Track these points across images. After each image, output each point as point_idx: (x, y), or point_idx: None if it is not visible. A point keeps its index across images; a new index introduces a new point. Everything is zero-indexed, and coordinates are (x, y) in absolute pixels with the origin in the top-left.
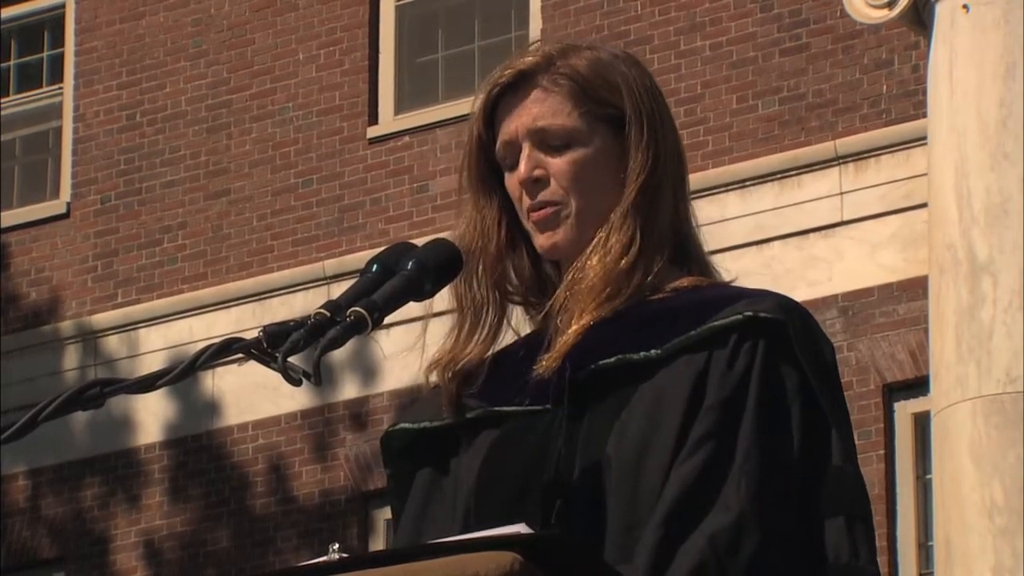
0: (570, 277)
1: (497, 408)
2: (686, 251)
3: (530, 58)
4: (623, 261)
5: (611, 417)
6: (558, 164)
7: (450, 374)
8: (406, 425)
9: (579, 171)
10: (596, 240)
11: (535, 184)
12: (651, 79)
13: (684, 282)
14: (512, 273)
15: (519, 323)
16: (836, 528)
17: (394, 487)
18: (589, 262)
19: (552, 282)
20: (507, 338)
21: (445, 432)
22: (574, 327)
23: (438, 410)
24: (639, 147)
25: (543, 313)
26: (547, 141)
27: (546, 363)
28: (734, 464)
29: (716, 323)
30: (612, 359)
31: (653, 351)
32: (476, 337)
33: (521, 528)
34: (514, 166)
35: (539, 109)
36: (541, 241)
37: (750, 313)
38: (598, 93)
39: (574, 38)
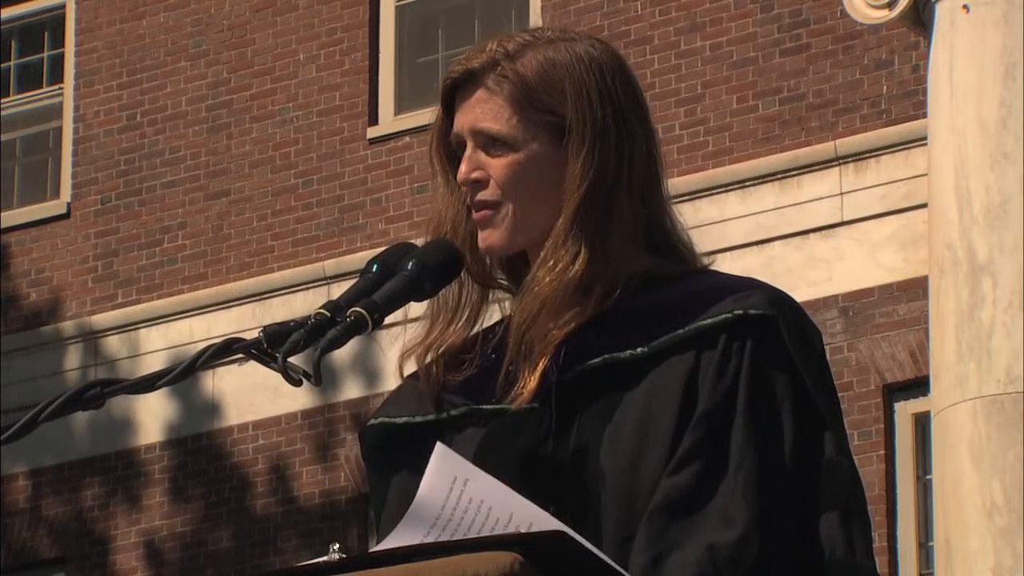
0: (525, 283)
1: (483, 407)
2: (656, 238)
3: (482, 55)
4: (570, 275)
5: (602, 422)
6: (496, 166)
7: (430, 359)
8: (386, 419)
9: (514, 175)
10: (543, 252)
11: (474, 185)
12: (615, 81)
13: (661, 273)
14: (483, 256)
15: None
16: (831, 523)
17: (375, 480)
18: (537, 275)
19: (521, 268)
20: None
21: (426, 428)
22: (550, 335)
23: (419, 404)
24: (578, 158)
25: (508, 317)
26: (486, 143)
27: (528, 373)
28: (727, 472)
29: (705, 322)
30: (598, 359)
31: (640, 349)
32: (454, 324)
33: (533, 524)
34: (462, 158)
35: (480, 110)
36: (480, 240)
37: (740, 311)
38: (540, 100)
39: (546, 29)
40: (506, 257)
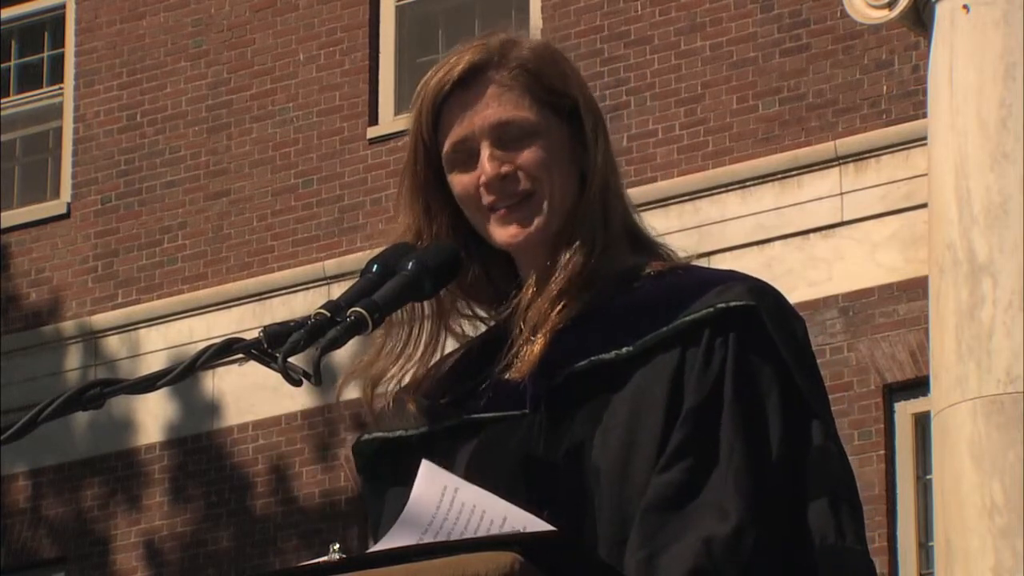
0: (535, 277)
1: (474, 416)
2: (637, 237)
3: (478, 52)
4: (592, 258)
5: (592, 425)
6: (525, 157)
7: (372, 391)
8: (380, 434)
9: (545, 162)
10: (563, 236)
11: (504, 180)
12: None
13: (648, 269)
14: (466, 280)
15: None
16: (821, 510)
17: (368, 494)
18: (560, 259)
19: (499, 285)
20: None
21: (421, 441)
22: (546, 327)
23: (413, 418)
24: (595, 138)
25: (505, 313)
26: (508, 136)
27: (520, 367)
28: (718, 466)
29: (688, 318)
30: (585, 362)
31: (625, 349)
32: (401, 360)
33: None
34: (467, 166)
35: (498, 103)
36: (509, 233)
37: (723, 305)
38: (552, 83)
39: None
40: (482, 278)
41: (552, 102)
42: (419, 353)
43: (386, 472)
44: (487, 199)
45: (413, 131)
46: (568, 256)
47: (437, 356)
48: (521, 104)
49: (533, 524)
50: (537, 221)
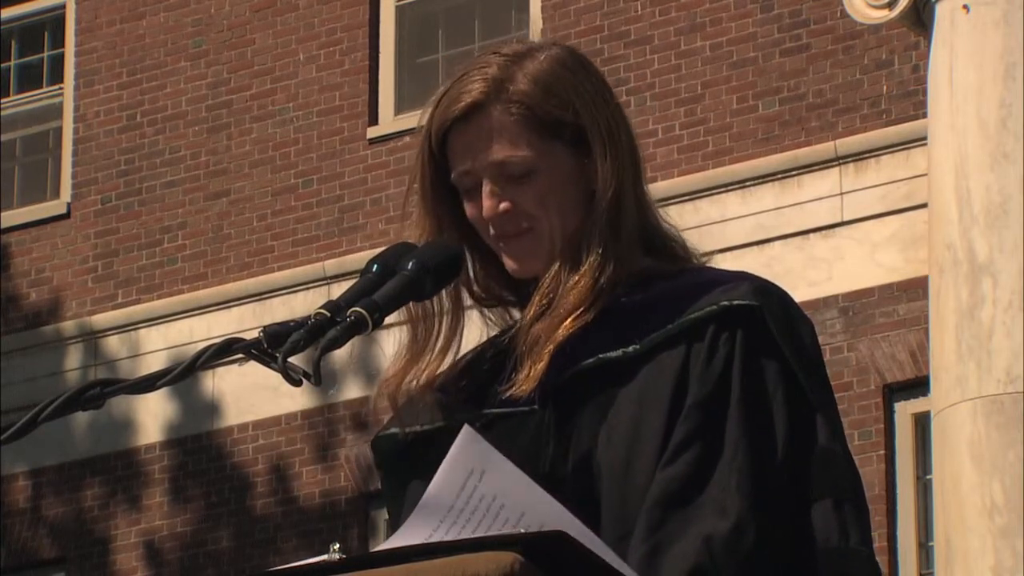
0: (542, 295)
1: (487, 411)
2: (652, 238)
3: (478, 85)
4: (601, 278)
5: (597, 420)
6: (524, 193)
7: (402, 397)
8: (395, 430)
9: (546, 197)
10: (570, 252)
11: (503, 217)
12: (598, 77)
13: (657, 271)
14: (479, 276)
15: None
16: (824, 511)
17: (387, 489)
18: (566, 281)
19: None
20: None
21: (436, 435)
22: (557, 332)
23: (429, 413)
24: (603, 160)
25: (512, 331)
26: (507, 173)
27: (531, 366)
28: (721, 463)
29: (693, 315)
30: (591, 360)
31: (631, 347)
32: (426, 357)
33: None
34: (474, 193)
35: (496, 142)
36: (513, 266)
37: (726, 303)
38: (552, 115)
39: (511, 42)
40: (497, 273)
41: (554, 129)
42: (439, 350)
43: (404, 467)
44: (492, 231)
45: (420, 151)
46: (576, 278)
47: (455, 352)
48: (519, 141)
49: (554, 516)
50: (538, 254)
